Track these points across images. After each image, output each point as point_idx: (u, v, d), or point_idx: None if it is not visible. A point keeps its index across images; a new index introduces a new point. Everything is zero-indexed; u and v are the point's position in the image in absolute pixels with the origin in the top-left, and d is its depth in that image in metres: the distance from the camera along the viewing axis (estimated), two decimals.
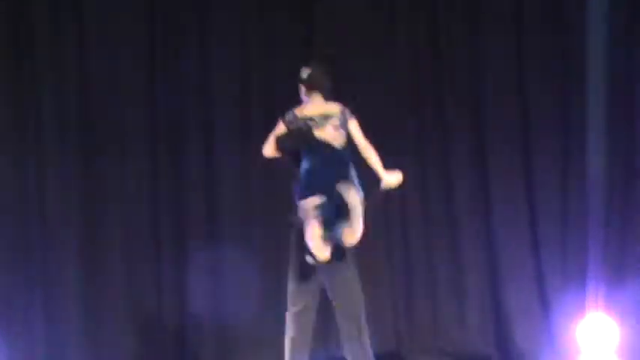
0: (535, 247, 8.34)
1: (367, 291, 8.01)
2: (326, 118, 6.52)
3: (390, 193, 6.76)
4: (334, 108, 6.59)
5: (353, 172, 6.45)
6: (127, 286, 8.02)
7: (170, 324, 8.08)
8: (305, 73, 6.65)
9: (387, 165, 8.22)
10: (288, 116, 6.59)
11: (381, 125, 8.32)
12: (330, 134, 6.48)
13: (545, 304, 8.27)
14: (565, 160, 8.35)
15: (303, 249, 6.29)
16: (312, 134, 6.46)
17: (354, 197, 6.20)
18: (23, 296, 7.79)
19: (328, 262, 6.30)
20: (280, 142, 6.55)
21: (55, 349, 7.80)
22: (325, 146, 6.44)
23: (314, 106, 6.61)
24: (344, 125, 6.53)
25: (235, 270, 8.07)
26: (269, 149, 6.60)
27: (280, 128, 6.61)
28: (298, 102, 6.73)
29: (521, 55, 8.36)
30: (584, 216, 8.20)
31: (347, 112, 6.58)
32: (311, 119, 6.52)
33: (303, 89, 6.66)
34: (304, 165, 6.43)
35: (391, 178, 6.55)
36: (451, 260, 8.42)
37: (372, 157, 6.53)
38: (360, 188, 6.37)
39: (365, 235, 7.92)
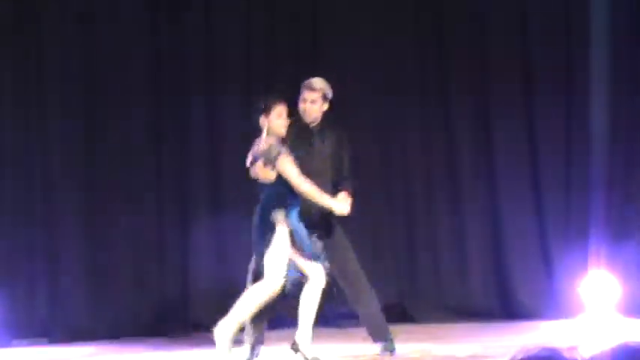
0: (538, 204, 8.40)
1: (370, 248, 8.15)
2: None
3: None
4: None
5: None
6: (129, 248, 8.00)
7: (173, 286, 8.08)
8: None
9: (387, 120, 8.36)
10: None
11: (385, 85, 8.41)
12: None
13: (547, 262, 8.35)
14: (567, 120, 8.39)
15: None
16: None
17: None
18: (25, 260, 7.77)
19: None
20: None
21: (57, 310, 7.83)
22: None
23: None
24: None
25: (239, 233, 8.12)
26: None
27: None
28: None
29: (525, 18, 8.40)
30: (586, 174, 8.24)
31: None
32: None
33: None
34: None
35: (339, 207, 6.12)
36: (454, 217, 8.48)
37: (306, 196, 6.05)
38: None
39: (368, 194, 8.05)
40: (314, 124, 6.33)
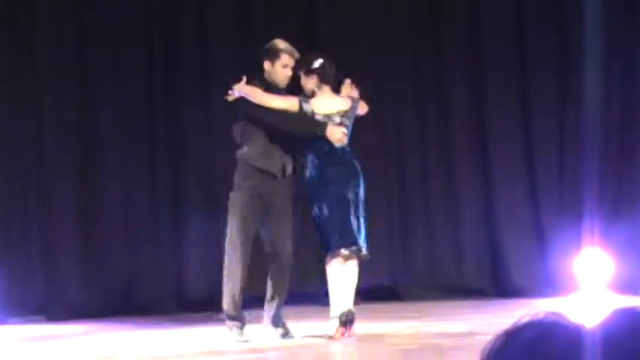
0: (531, 183, 8.42)
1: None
2: (339, 115, 6.34)
3: None
4: (346, 103, 6.39)
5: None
6: (124, 226, 8.02)
7: (168, 265, 8.09)
8: (317, 62, 6.29)
9: (383, 105, 8.36)
10: (305, 105, 6.29)
11: (380, 60, 8.40)
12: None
13: (541, 240, 8.37)
14: (560, 98, 8.40)
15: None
16: (324, 133, 6.23)
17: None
18: (21, 239, 7.78)
19: None
20: (294, 124, 6.21)
21: (54, 288, 7.83)
22: (333, 148, 6.28)
23: (328, 101, 6.36)
24: (352, 116, 6.40)
25: None
26: (279, 104, 6.20)
27: (293, 105, 6.27)
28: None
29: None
30: (579, 153, 8.26)
31: (356, 101, 6.44)
32: (329, 117, 6.29)
33: (312, 79, 6.32)
34: (312, 158, 6.28)
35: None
36: (447, 197, 8.50)
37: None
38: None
39: (364, 174, 8.05)
40: (282, 87, 6.35)
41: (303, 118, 6.21)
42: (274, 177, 6.16)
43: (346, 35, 8.21)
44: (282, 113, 6.14)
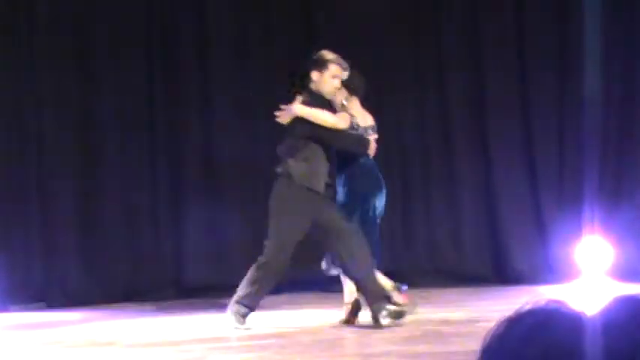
0: (532, 171, 8.42)
1: None
2: (371, 128, 6.36)
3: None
4: (370, 117, 6.41)
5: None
6: (123, 214, 8.04)
7: (166, 253, 8.11)
8: (345, 74, 6.16)
9: (383, 98, 8.35)
10: (354, 120, 6.25)
11: (380, 49, 8.38)
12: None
13: (542, 228, 8.37)
14: (560, 88, 8.39)
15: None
16: (367, 149, 6.24)
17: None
18: (21, 227, 7.79)
19: None
20: (347, 141, 6.19)
21: (54, 275, 7.84)
22: (366, 161, 6.30)
23: (361, 114, 6.35)
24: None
25: (231, 201, 8.13)
26: (338, 122, 6.11)
27: (347, 121, 6.21)
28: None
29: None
30: (579, 141, 8.25)
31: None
32: (367, 130, 6.32)
33: (342, 91, 6.23)
34: (346, 174, 6.28)
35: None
36: (449, 185, 8.50)
37: None
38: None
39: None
40: (329, 98, 6.27)
41: (353, 135, 6.22)
42: (318, 194, 6.13)
43: (347, 35, 8.20)
44: (336, 131, 6.11)
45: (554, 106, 8.40)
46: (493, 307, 6.69)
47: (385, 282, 6.29)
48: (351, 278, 6.17)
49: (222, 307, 6.46)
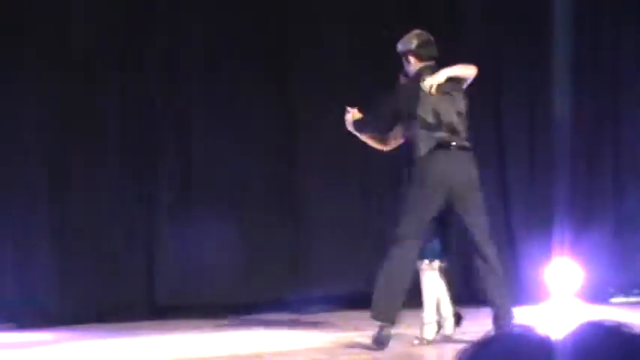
0: (503, 192, 8.47)
1: (342, 234, 8.21)
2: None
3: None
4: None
5: None
6: (95, 234, 7.97)
7: (139, 272, 8.08)
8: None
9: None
10: None
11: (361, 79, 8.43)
12: None
13: (512, 249, 8.42)
14: (531, 109, 8.47)
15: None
16: None
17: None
18: None
19: None
20: None
21: (25, 295, 7.79)
22: None
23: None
24: None
25: (206, 219, 8.13)
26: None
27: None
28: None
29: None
30: (550, 163, 8.33)
31: None
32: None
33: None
34: None
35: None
36: None
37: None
38: None
39: (343, 184, 8.13)
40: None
41: None
42: None
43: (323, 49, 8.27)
44: None
45: (525, 126, 8.47)
46: (464, 329, 6.71)
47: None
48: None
49: (196, 327, 6.46)
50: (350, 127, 6.43)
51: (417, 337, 6.27)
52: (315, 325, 7.41)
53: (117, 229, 8.07)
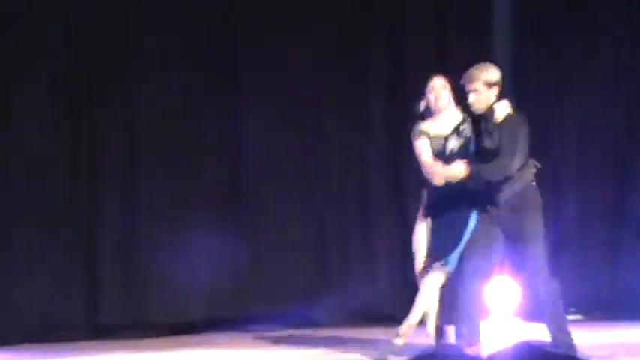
0: None
1: (281, 250, 8.25)
2: None
3: None
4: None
5: None
6: (37, 251, 7.89)
7: (81, 289, 8.00)
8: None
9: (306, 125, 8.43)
10: None
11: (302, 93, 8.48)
12: None
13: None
14: None
15: None
16: None
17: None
18: None
19: None
20: None
21: None
22: None
23: None
24: None
25: (151, 233, 8.11)
26: None
27: None
28: None
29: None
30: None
31: None
32: None
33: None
34: None
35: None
36: (363, 224, 8.60)
37: None
38: None
39: (283, 198, 8.17)
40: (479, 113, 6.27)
41: None
42: None
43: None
44: None
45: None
46: (405, 347, 6.77)
47: None
48: None
49: (139, 346, 6.41)
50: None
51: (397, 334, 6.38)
52: (256, 344, 7.43)
53: (59, 246, 7.99)
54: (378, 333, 7.79)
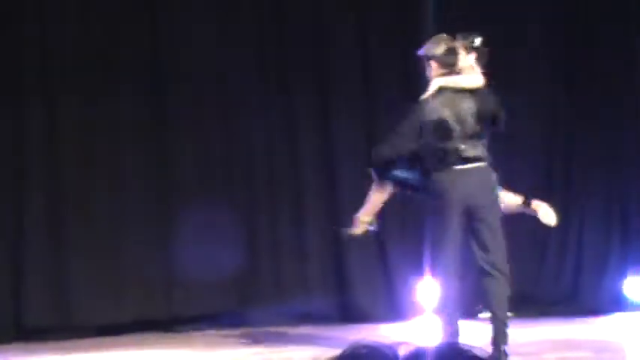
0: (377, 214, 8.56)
1: (211, 252, 8.17)
2: None
3: None
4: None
5: None
6: None
7: (6, 295, 7.89)
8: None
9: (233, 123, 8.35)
10: None
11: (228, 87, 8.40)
12: None
13: (385, 266, 8.52)
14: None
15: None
16: None
17: None
18: None
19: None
20: None
21: None
22: None
23: None
24: None
25: (78, 229, 8.00)
26: None
27: None
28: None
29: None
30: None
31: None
32: None
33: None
34: None
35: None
36: (295, 225, 8.57)
37: None
38: None
39: (212, 197, 8.09)
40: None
41: None
42: None
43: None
44: None
45: None
46: (337, 346, 6.75)
47: None
48: None
49: (64, 349, 6.33)
50: None
51: None
52: (188, 344, 7.36)
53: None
54: (313, 332, 7.82)
